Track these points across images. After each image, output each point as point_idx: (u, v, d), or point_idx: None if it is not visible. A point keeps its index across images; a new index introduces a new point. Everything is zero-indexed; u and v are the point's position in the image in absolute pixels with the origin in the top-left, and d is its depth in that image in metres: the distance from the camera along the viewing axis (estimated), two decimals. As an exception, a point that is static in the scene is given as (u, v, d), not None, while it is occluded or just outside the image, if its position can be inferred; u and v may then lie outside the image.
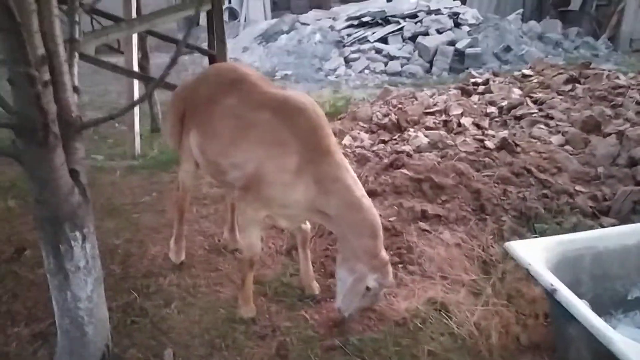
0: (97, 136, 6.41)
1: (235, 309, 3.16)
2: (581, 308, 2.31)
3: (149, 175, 5.12)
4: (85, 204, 2.41)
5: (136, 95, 5.61)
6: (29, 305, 3.19)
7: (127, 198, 4.64)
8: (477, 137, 5.03)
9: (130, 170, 5.25)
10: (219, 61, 4.96)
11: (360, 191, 2.82)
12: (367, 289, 2.77)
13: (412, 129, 5.43)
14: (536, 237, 3.74)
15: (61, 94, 2.33)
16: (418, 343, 2.87)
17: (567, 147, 4.88)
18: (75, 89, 2.54)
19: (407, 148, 4.94)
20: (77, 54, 2.65)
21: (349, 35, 11.32)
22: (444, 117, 5.74)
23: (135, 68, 5.67)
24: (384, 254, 2.83)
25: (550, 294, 2.48)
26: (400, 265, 3.50)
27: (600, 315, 2.90)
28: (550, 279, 2.47)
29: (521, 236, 3.84)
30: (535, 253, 2.69)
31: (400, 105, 6.14)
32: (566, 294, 2.39)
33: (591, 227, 3.86)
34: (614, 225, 3.87)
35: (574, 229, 3.86)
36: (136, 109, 5.57)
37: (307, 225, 3.24)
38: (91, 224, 2.48)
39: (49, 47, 2.22)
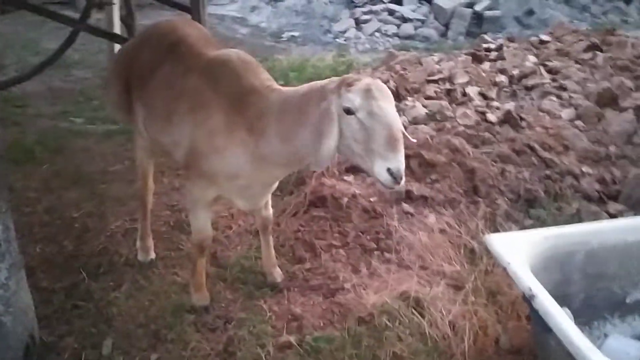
0: (82, 97, 6.09)
1: (189, 295, 2.87)
2: (561, 321, 1.95)
3: (126, 141, 4.78)
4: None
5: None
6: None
7: (97, 166, 4.35)
8: (479, 109, 4.59)
9: (108, 136, 4.93)
10: (195, 17, 4.55)
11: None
12: (348, 112, 2.10)
13: (410, 98, 5.00)
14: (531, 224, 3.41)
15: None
16: (383, 344, 2.55)
17: (578, 122, 4.41)
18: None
19: (402, 119, 4.53)
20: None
21: (361, -6, 10.73)
22: (447, 85, 5.28)
23: (117, 25, 5.31)
24: None
25: (528, 300, 2.12)
26: (376, 252, 3.17)
27: (593, 319, 2.59)
28: (530, 283, 2.11)
29: (516, 222, 3.51)
30: (518, 249, 2.32)
31: (402, 72, 5.69)
32: (545, 303, 2.03)
33: (595, 214, 3.49)
34: (621, 212, 3.49)
35: (576, 215, 3.50)
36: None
37: (269, 212, 2.92)
38: (3, 202, 2.18)
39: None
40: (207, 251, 2.83)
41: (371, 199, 3.48)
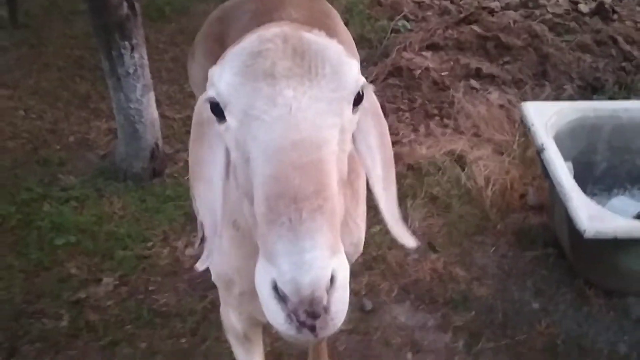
0: None
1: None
2: (559, 167, 2.36)
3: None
4: (133, 17, 2.80)
5: None
6: (112, 107, 3.82)
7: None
8: (574, -1, 4.62)
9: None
10: None
11: None
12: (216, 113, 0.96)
13: (508, -15, 5.07)
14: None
15: None
16: (422, 185, 3.09)
17: (676, 19, 4.35)
18: None
19: (494, 4, 4.70)
20: None
21: None
22: (552, -26, 5.24)
23: None
24: None
25: (539, 155, 2.52)
26: (436, 118, 3.62)
27: (613, 187, 2.94)
28: (543, 139, 2.50)
29: (579, 107, 3.72)
30: (546, 115, 2.68)
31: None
32: (552, 155, 2.43)
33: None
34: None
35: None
36: None
37: None
38: (139, 36, 2.88)
39: None
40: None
41: (442, 73, 3.86)
